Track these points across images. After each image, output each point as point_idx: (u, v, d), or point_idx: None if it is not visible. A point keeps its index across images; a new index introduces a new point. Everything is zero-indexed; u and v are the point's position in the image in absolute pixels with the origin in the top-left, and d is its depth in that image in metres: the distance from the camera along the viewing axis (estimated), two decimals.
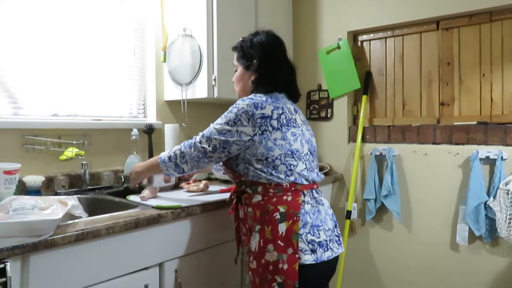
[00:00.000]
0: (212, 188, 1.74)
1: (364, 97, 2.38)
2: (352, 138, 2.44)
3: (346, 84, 2.41)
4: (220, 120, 1.30)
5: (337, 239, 1.33)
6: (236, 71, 1.46)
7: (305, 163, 1.31)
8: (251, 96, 1.31)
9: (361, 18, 2.36)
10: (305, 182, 1.30)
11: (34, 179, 1.54)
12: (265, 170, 1.27)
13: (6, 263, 0.96)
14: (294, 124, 1.32)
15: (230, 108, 1.29)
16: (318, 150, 2.53)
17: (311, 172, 1.34)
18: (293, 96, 1.44)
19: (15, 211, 1.08)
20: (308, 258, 1.21)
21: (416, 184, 2.20)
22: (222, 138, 1.27)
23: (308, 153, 1.34)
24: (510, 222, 1.72)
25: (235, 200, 1.40)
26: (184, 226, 1.42)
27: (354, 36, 2.48)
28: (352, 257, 2.40)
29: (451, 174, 2.07)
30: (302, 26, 2.59)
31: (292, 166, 1.27)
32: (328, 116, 2.50)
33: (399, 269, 2.26)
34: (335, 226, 1.35)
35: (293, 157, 1.28)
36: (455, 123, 2.11)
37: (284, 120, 1.28)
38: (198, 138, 1.33)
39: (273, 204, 1.26)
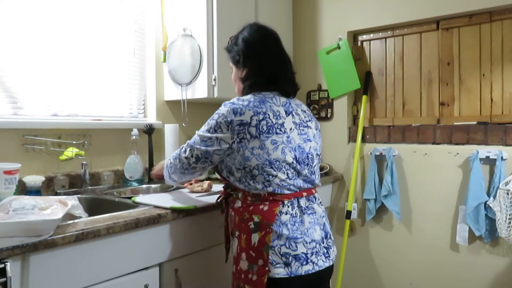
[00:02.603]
0: (215, 187, 1.74)
1: (364, 97, 2.38)
2: (352, 138, 2.44)
3: (346, 84, 2.41)
4: (204, 127, 1.28)
5: (325, 251, 1.24)
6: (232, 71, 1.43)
7: (287, 173, 1.21)
8: (234, 100, 1.26)
9: (361, 18, 2.36)
10: (287, 192, 1.22)
11: (34, 179, 1.54)
12: (243, 179, 1.23)
13: (6, 263, 0.96)
14: (278, 131, 1.22)
15: (213, 115, 1.26)
16: None
17: (295, 180, 1.23)
18: (287, 91, 1.32)
19: (15, 211, 1.08)
20: (279, 272, 1.16)
21: (416, 184, 2.20)
22: (203, 148, 1.24)
23: (294, 162, 1.22)
24: (510, 222, 1.72)
25: (223, 202, 1.39)
26: (184, 226, 1.42)
27: (354, 36, 2.48)
28: (352, 257, 2.40)
29: (451, 174, 2.07)
30: (302, 26, 2.59)
31: (270, 177, 1.20)
32: (328, 116, 2.50)
33: (399, 269, 2.26)
34: (326, 237, 1.26)
35: (271, 168, 1.19)
36: (455, 123, 2.11)
37: (264, 127, 1.20)
38: (183, 148, 1.32)
39: (249, 212, 1.23)
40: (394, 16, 2.25)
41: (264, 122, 1.20)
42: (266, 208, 1.20)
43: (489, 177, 1.96)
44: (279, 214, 1.19)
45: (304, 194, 1.26)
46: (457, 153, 2.05)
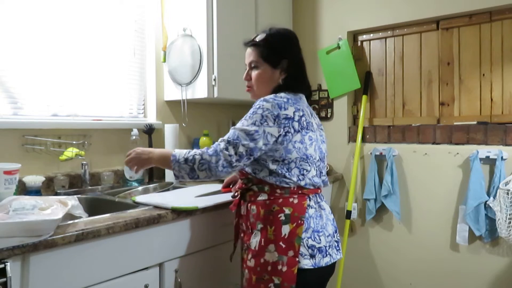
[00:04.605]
0: (213, 188, 1.74)
1: (364, 97, 2.38)
2: (352, 138, 2.44)
3: (346, 84, 2.41)
4: (246, 121, 1.23)
5: (336, 244, 1.32)
6: (254, 67, 1.36)
7: (316, 169, 1.30)
8: (271, 96, 1.26)
9: (361, 18, 2.36)
10: (312, 187, 1.29)
11: (34, 179, 1.54)
12: (279, 171, 1.24)
13: (6, 263, 0.96)
14: (312, 128, 1.30)
15: (253, 109, 1.24)
16: None
17: (319, 178, 1.32)
18: (310, 96, 1.44)
19: (15, 211, 1.08)
20: (307, 263, 1.21)
21: (416, 184, 2.20)
22: (251, 144, 1.19)
23: (319, 159, 1.32)
24: (510, 222, 1.72)
25: (238, 196, 1.38)
26: (184, 226, 1.42)
27: (354, 36, 2.48)
28: (352, 257, 2.40)
29: (451, 174, 2.07)
30: (302, 26, 2.59)
31: (305, 171, 1.26)
32: (328, 116, 2.50)
33: (399, 269, 2.26)
34: (335, 231, 1.34)
35: (307, 162, 1.26)
36: (455, 123, 2.11)
37: (305, 123, 1.26)
38: (222, 144, 1.22)
39: (278, 205, 1.24)
40: (394, 16, 2.25)
41: (304, 119, 1.27)
42: (296, 201, 1.24)
43: (489, 177, 1.96)
44: (307, 208, 1.25)
45: (319, 191, 1.33)
46: (457, 153, 2.05)
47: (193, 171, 1.24)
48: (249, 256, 1.27)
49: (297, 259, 1.19)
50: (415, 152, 2.20)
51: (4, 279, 0.95)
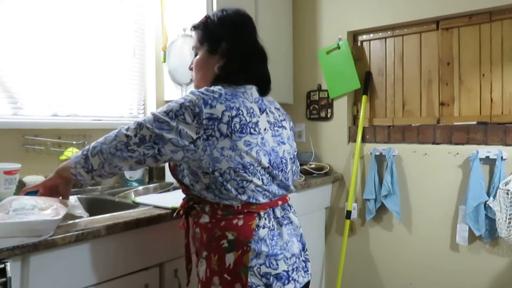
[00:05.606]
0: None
1: (364, 97, 2.38)
2: (352, 138, 2.44)
3: (346, 84, 2.41)
4: (161, 108, 1.05)
5: (303, 265, 1.14)
6: (196, 55, 1.20)
7: (262, 178, 1.07)
8: (203, 89, 1.05)
9: (361, 18, 2.36)
10: (263, 201, 1.07)
11: (34, 179, 1.54)
12: (213, 186, 1.04)
13: (6, 263, 0.96)
14: (252, 130, 1.06)
15: (177, 99, 1.05)
16: (318, 150, 2.53)
17: (270, 185, 1.09)
18: (266, 89, 1.18)
19: (15, 211, 1.07)
20: None
21: (416, 184, 2.20)
22: (157, 130, 1.01)
23: (270, 167, 1.08)
24: (510, 222, 1.72)
25: (184, 215, 1.21)
26: None
27: (354, 36, 2.48)
28: (351, 257, 2.40)
29: (451, 174, 2.07)
30: (302, 26, 2.59)
31: (244, 183, 1.04)
32: (328, 116, 2.50)
33: (398, 269, 2.26)
34: (303, 249, 1.16)
35: (245, 172, 1.03)
36: (455, 123, 2.11)
37: (237, 125, 1.03)
38: (126, 126, 1.07)
39: (220, 229, 1.05)
40: (394, 16, 2.25)
41: (237, 120, 1.03)
42: (241, 222, 1.05)
43: (489, 177, 1.96)
44: (256, 229, 1.05)
45: (279, 203, 1.14)
46: (457, 153, 2.05)
47: (86, 160, 1.08)
48: (199, 286, 1.11)
49: None
50: (415, 152, 2.20)
51: (4, 279, 0.95)
